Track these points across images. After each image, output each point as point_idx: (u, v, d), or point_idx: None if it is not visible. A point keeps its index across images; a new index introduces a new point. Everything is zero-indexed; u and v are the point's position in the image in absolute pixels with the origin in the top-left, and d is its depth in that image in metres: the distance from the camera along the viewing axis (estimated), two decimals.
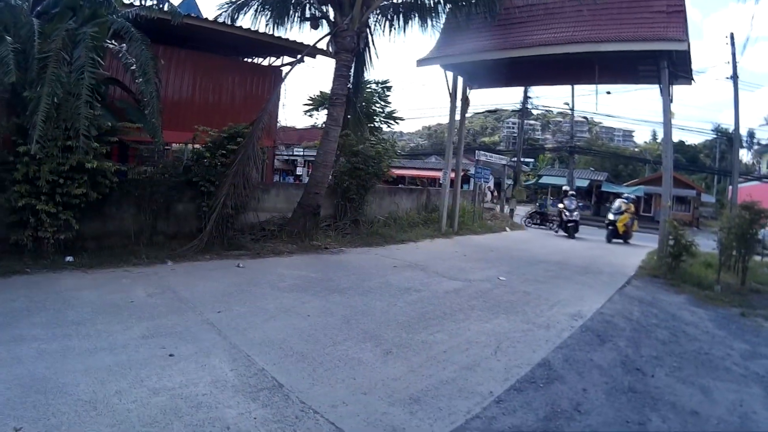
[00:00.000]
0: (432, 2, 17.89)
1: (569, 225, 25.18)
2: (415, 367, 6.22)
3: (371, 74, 40.17)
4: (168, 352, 6.06)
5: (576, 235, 25.17)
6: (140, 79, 11.52)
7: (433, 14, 18.24)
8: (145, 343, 6.32)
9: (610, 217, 24.50)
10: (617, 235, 23.91)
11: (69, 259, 10.38)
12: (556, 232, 26.45)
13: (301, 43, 17.95)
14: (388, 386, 5.61)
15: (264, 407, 4.89)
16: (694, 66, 17.19)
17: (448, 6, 18.16)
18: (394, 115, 35.52)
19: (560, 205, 26.66)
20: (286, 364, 6.00)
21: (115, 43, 12.57)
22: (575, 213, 25.24)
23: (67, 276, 9.49)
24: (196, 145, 13.88)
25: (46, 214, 10.03)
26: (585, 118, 63.05)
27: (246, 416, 4.69)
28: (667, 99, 15.83)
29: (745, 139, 61.72)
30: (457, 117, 22.16)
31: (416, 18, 18.17)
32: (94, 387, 5.01)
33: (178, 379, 5.34)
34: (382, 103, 34.75)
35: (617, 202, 25.51)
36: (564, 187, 31.97)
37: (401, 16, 18.26)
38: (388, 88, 35.17)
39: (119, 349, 6.05)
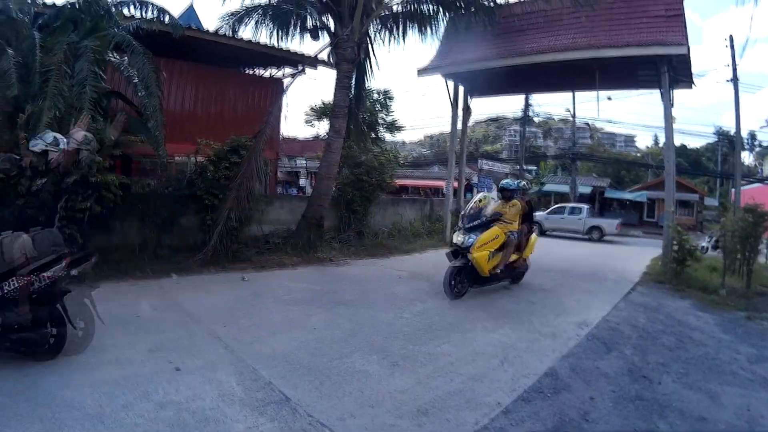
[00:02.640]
0: (431, 11, 17.92)
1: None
2: (422, 379, 6.21)
3: (372, 84, 40.16)
4: (174, 366, 6.05)
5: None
6: (142, 92, 11.58)
7: (433, 23, 18.27)
8: (151, 357, 6.33)
9: (458, 238, 11.25)
10: (477, 278, 11.14)
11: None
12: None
13: (302, 54, 18.01)
14: (396, 398, 5.60)
15: (272, 421, 4.89)
16: (694, 69, 17.24)
17: (448, 15, 18.18)
18: (396, 124, 35.57)
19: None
20: (292, 378, 5.99)
21: (117, 56, 12.58)
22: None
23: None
24: (199, 158, 13.89)
25: None
26: (587, 124, 63.23)
27: (254, 430, 4.69)
28: (668, 103, 15.87)
29: (746, 140, 61.55)
30: (459, 126, 22.20)
31: (416, 27, 18.19)
32: (101, 401, 5.01)
33: (185, 393, 5.33)
34: (385, 112, 34.81)
35: (477, 196, 13.05)
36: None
37: (401, 25, 18.28)
38: (390, 98, 35.25)
39: (125, 362, 6.06)
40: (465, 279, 10.97)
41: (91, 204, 10.38)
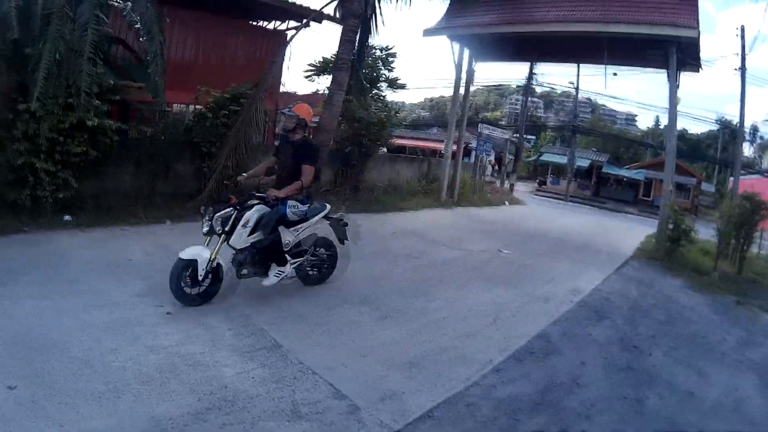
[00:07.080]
0: None
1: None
2: (414, 333, 6.24)
3: (376, 41, 39.75)
4: (165, 310, 6.04)
5: None
6: (144, 38, 11.38)
7: None
8: (141, 301, 6.30)
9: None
10: None
11: (67, 218, 10.28)
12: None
13: (308, 8, 17.72)
14: (387, 350, 5.62)
15: (262, 367, 4.89)
16: (703, 56, 17.10)
17: None
18: (398, 81, 35.25)
19: None
20: (284, 325, 5.99)
21: (120, 1, 12.38)
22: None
23: (65, 235, 9.39)
24: (198, 107, 13.76)
25: (45, 172, 9.85)
26: (588, 99, 62.82)
27: (244, 375, 4.69)
28: (674, 84, 15.76)
29: (748, 133, 61.62)
30: (462, 90, 22.00)
31: None
32: (90, 344, 4.98)
33: (175, 338, 5.32)
34: (386, 69, 34.48)
35: None
36: None
37: None
38: (392, 55, 34.87)
39: (115, 306, 6.02)
40: None
41: (87, 149, 10.31)
